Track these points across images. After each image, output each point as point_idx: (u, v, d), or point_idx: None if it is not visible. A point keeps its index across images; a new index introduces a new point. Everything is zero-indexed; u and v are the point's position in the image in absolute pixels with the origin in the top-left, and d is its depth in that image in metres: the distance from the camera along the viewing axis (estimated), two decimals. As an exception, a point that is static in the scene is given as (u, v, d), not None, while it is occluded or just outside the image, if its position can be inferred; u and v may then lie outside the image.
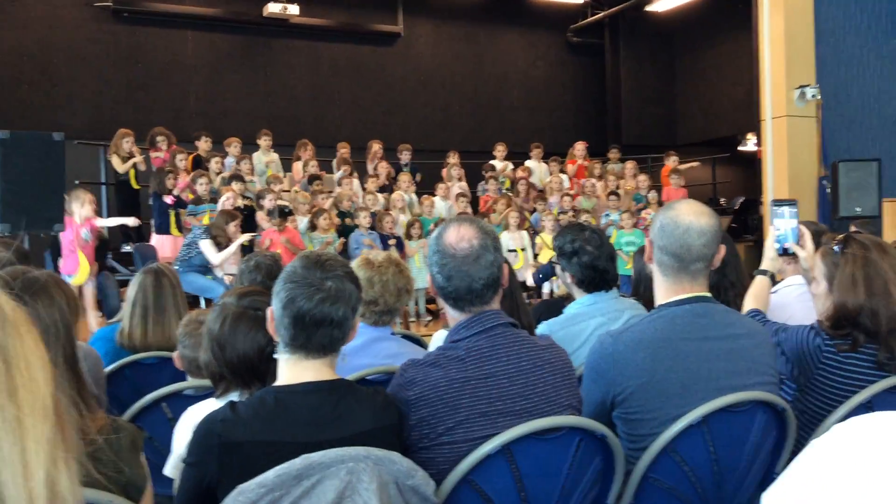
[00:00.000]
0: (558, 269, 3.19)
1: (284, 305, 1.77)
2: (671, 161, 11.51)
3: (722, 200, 14.00)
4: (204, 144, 9.74)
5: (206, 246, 7.23)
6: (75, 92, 12.20)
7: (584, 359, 2.78)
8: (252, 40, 13.69)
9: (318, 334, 1.78)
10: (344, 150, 10.73)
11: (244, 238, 7.53)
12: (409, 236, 9.03)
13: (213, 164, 9.35)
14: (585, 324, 2.99)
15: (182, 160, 9.08)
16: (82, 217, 6.83)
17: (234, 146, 9.69)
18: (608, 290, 3.07)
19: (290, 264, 1.84)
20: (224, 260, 7.28)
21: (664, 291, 2.26)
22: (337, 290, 1.77)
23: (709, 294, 2.27)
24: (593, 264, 3.01)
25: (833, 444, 0.99)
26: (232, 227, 7.38)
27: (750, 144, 14.78)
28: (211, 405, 2.18)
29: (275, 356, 1.87)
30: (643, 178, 11.07)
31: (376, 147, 10.79)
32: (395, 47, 14.81)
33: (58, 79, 12.11)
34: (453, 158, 11.11)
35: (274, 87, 13.75)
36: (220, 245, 7.30)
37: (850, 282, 2.42)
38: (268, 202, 8.57)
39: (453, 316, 2.06)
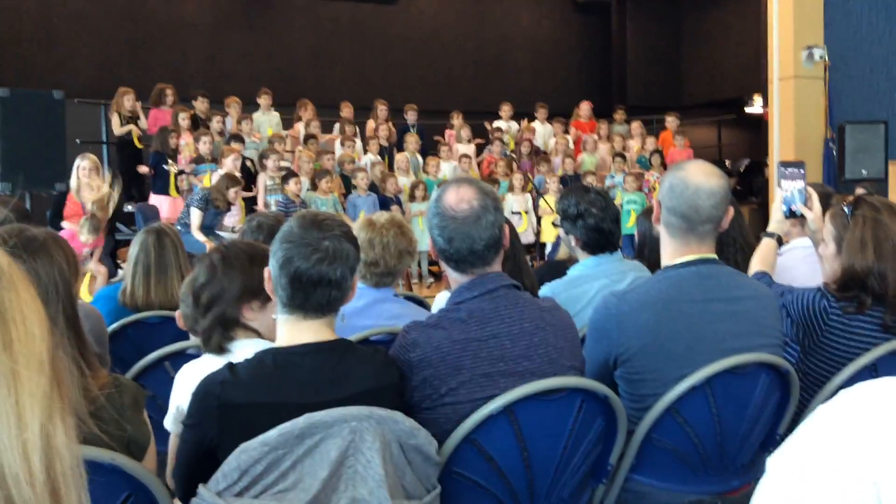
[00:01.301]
0: (561, 231, 3.16)
1: (282, 265, 1.76)
2: (670, 122, 11.37)
3: (727, 162, 13.92)
4: (201, 105, 9.64)
5: (194, 214, 7.21)
6: (75, 50, 12.09)
7: (587, 320, 2.81)
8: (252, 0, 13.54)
9: (316, 294, 1.77)
10: (347, 109, 10.63)
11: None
12: (412, 198, 8.98)
13: (215, 122, 9.29)
14: (589, 285, 2.97)
15: (184, 119, 9.02)
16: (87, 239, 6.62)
17: (233, 107, 9.59)
18: (612, 252, 3.06)
19: (287, 224, 1.82)
20: (197, 236, 7.19)
21: (671, 252, 2.25)
22: (334, 249, 1.76)
23: (715, 256, 2.26)
24: (598, 227, 2.98)
25: (839, 410, 0.98)
26: (232, 192, 7.33)
27: (756, 106, 14.64)
28: (207, 361, 2.17)
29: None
30: (650, 141, 10.98)
31: (381, 108, 10.67)
32: (397, 6, 14.64)
33: (57, 37, 12.01)
34: (458, 120, 11.00)
35: (274, 47, 13.62)
36: (219, 209, 7.26)
37: (859, 244, 2.39)
38: (271, 162, 8.52)
39: (455, 278, 2.05)
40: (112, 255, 8.48)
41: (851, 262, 2.40)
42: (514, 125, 11.43)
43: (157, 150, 8.47)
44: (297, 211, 1.94)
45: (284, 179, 8.32)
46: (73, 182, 6.68)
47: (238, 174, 7.83)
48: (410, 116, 10.83)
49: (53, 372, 0.65)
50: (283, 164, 8.84)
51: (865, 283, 2.38)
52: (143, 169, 7.80)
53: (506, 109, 11.50)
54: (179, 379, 2.25)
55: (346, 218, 8.08)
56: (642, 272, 3.05)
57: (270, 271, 1.80)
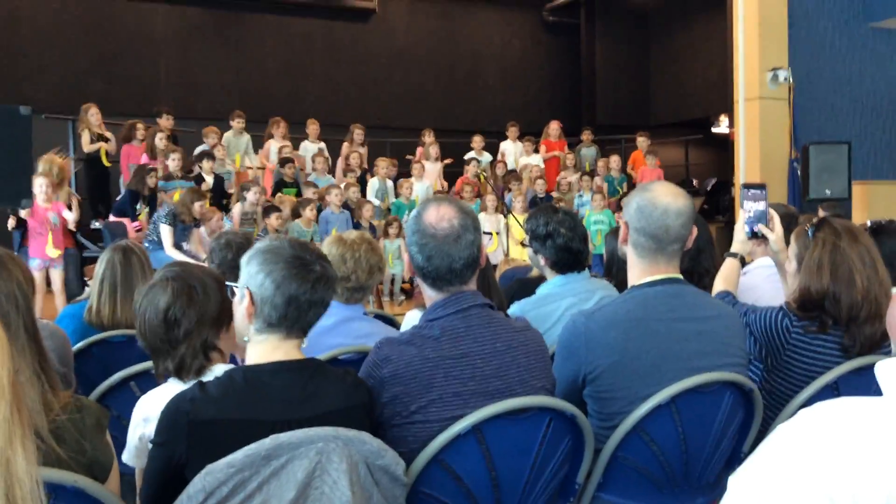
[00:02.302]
0: (530, 251, 3.19)
1: (278, 286, 1.77)
2: (641, 142, 11.46)
3: (694, 182, 14.09)
4: (166, 122, 9.52)
5: (164, 231, 7.14)
6: (43, 64, 11.97)
7: (556, 338, 2.83)
8: (224, 14, 13.50)
9: (310, 315, 1.82)
10: (313, 126, 10.50)
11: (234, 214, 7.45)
12: (386, 234, 8.84)
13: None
14: (557, 304, 3.00)
15: (161, 139, 8.93)
16: (46, 196, 6.68)
17: (211, 136, 9.37)
18: (580, 272, 3.09)
19: (272, 245, 1.83)
20: (171, 254, 7.12)
21: (639, 272, 2.27)
22: (324, 272, 1.82)
23: (681, 276, 2.29)
24: (567, 246, 3.02)
25: (799, 429, 1.00)
26: (197, 206, 7.26)
27: (723, 126, 14.86)
28: (167, 389, 2.10)
29: (191, 333, 1.87)
30: (615, 159, 11.08)
31: (357, 132, 10.56)
32: (370, 23, 14.68)
33: (24, 50, 11.87)
34: (429, 137, 10.98)
35: (246, 63, 13.59)
36: (185, 223, 7.19)
37: (816, 266, 2.45)
38: (252, 196, 8.42)
39: (430, 295, 2.05)
40: (79, 272, 8.38)
41: (807, 284, 2.45)
42: (487, 156, 11.30)
43: (133, 189, 8.34)
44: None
45: (266, 213, 8.25)
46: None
47: (206, 189, 7.77)
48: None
49: (14, 396, 0.65)
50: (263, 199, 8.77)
51: (822, 304, 2.42)
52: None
53: (477, 140, 11.23)
54: (138, 411, 2.17)
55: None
56: (609, 291, 3.09)
57: (251, 291, 1.79)
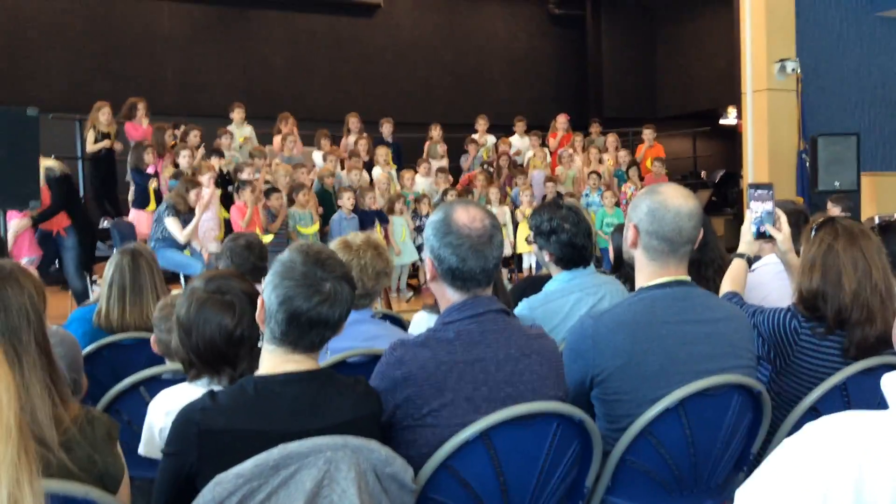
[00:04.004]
0: (535, 247, 3.19)
1: (281, 302, 1.75)
2: (647, 134, 11.40)
3: (702, 173, 14.06)
4: (194, 140, 9.47)
5: (171, 224, 7.10)
6: (49, 63, 11.99)
7: (564, 334, 2.84)
8: (229, 11, 13.50)
9: (311, 334, 1.78)
10: (325, 140, 10.44)
11: (204, 197, 7.34)
12: (391, 211, 8.96)
13: (192, 136, 9.22)
14: (565, 299, 3.00)
15: (169, 136, 8.96)
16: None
17: (224, 137, 9.39)
18: (586, 267, 3.09)
19: (289, 257, 1.80)
20: (189, 234, 7.12)
21: (648, 275, 2.27)
22: (335, 292, 1.77)
23: (689, 278, 2.28)
24: (571, 242, 3.01)
25: (804, 444, 1.00)
26: (192, 195, 7.22)
27: (731, 117, 14.81)
28: (184, 389, 2.18)
29: (255, 344, 1.86)
30: (623, 154, 11.02)
31: (353, 121, 10.60)
32: (375, 18, 14.66)
33: (30, 50, 11.89)
34: (435, 132, 10.97)
35: (251, 60, 13.58)
36: (181, 214, 7.15)
37: (809, 265, 2.46)
38: (246, 175, 8.46)
39: (448, 297, 2.03)
40: (88, 271, 8.41)
41: (799, 282, 2.47)
42: (490, 138, 11.43)
43: (134, 167, 8.41)
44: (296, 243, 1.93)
45: (266, 195, 8.30)
46: None
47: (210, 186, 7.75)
48: (386, 130, 10.80)
49: (21, 438, 0.65)
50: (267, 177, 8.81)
51: (815, 304, 2.43)
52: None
53: (482, 123, 11.46)
54: (154, 406, 2.24)
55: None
56: (616, 286, 3.09)
57: (265, 302, 1.80)
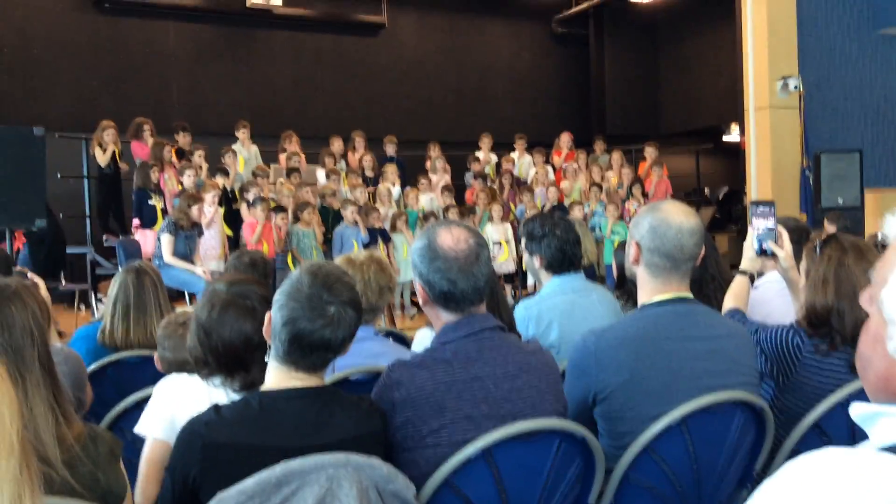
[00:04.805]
0: (526, 255, 3.35)
1: (285, 322, 1.76)
2: (649, 152, 11.42)
3: (706, 190, 14.06)
4: (183, 139, 9.61)
5: (164, 241, 7.13)
6: (56, 83, 12.07)
7: (560, 332, 3.04)
8: (234, 31, 13.59)
9: (313, 356, 1.79)
10: (337, 143, 10.55)
11: (206, 216, 7.43)
12: (394, 228, 8.99)
13: (196, 156, 9.28)
14: (559, 298, 3.18)
15: (168, 152, 9.02)
16: None
17: (228, 156, 9.45)
18: (575, 272, 3.26)
19: (297, 278, 1.81)
20: (171, 262, 7.12)
21: (650, 291, 2.28)
22: (339, 317, 1.77)
23: (691, 295, 2.29)
24: (562, 247, 3.19)
25: (803, 473, 1.00)
26: (195, 210, 7.25)
27: (734, 134, 14.82)
28: (195, 379, 2.22)
29: (266, 354, 1.87)
30: (627, 172, 11.04)
31: (358, 139, 10.68)
32: (379, 38, 14.75)
33: (37, 70, 11.98)
34: (434, 151, 11.04)
35: (256, 79, 13.66)
36: (184, 229, 7.17)
37: (821, 282, 2.45)
38: (251, 195, 8.50)
39: (443, 318, 2.03)
40: (94, 290, 8.45)
41: (812, 300, 2.46)
42: (493, 157, 11.47)
43: (140, 187, 8.44)
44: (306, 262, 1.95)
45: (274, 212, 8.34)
46: None
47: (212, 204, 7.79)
48: (390, 149, 10.86)
49: (23, 454, 0.66)
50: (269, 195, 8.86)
51: (828, 321, 2.42)
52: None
53: (486, 141, 11.51)
54: (159, 388, 2.32)
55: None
56: (606, 293, 3.32)
57: (271, 319, 1.81)
